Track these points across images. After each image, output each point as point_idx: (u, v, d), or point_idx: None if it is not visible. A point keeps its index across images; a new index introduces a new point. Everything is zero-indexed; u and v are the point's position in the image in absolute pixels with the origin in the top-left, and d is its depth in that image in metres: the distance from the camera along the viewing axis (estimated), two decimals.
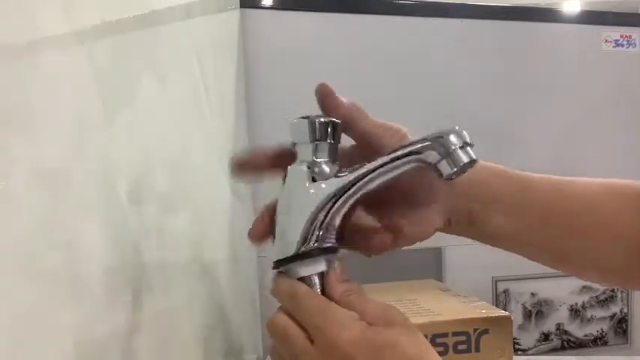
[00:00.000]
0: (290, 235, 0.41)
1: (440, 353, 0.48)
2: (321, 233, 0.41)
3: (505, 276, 1.19)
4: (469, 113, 1.13)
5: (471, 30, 1.17)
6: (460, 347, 0.77)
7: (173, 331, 0.53)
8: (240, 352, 0.85)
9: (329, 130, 0.42)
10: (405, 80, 1.13)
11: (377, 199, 0.44)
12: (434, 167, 0.39)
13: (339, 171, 0.41)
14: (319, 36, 1.10)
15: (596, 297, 1.25)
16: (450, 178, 0.39)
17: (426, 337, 0.39)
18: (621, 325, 1.26)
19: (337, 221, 0.41)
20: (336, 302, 0.39)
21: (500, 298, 1.20)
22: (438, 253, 1.16)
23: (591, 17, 1.24)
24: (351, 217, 0.44)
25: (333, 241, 0.42)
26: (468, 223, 0.46)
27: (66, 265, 0.33)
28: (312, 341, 0.38)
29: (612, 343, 1.26)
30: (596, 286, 1.22)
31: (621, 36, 1.23)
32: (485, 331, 0.78)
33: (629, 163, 1.22)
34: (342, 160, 0.43)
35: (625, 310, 1.26)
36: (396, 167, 0.40)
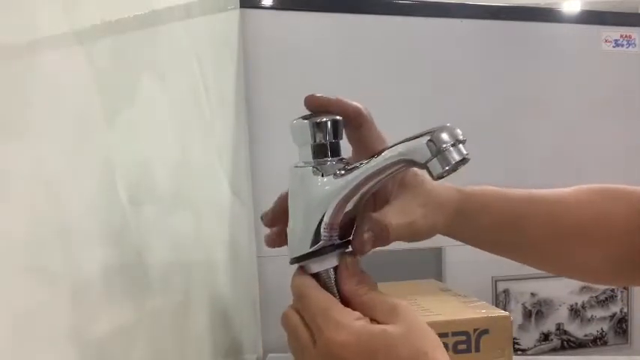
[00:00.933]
0: (300, 233, 0.42)
1: None
2: (329, 230, 0.41)
3: (505, 276, 1.19)
4: (469, 113, 1.13)
5: (471, 30, 1.17)
6: (460, 347, 0.77)
7: (173, 331, 0.53)
8: (240, 352, 0.85)
9: (329, 128, 0.42)
10: (405, 80, 1.13)
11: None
12: (424, 167, 0.38)
13: (344, 167, 0.42)
14: (319, 36, 1.10)
15: (596, 297, 1.25)
16: (440, 177, 0.38)
17: None
18: (621, 325, 1.26)
19: (341, 218, 0.42)
20: (346, 297, 0.41)
21: (500, 298, 1.20)
22: (438, 253, 1.16)
23: (591, 17, 1.24)
24: (356, 214, 0.44)
25: (342, 237, 0.43)
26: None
27: (66, 265, 0.33)
28: (314, 341, 0.39)
29: (612, 343, 1.26)
30: (596, 286, 1.22)
31: (621, 36, 1.23)
32: (485, 331, 0.78)
33: (629, 162, 1.22)
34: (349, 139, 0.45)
35: (625, 310, 1.26)
36: (388, 168, 0.40)
